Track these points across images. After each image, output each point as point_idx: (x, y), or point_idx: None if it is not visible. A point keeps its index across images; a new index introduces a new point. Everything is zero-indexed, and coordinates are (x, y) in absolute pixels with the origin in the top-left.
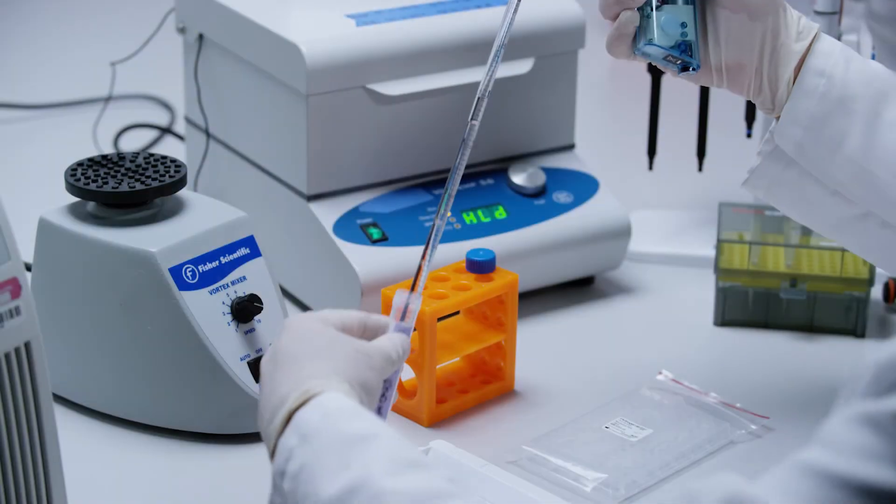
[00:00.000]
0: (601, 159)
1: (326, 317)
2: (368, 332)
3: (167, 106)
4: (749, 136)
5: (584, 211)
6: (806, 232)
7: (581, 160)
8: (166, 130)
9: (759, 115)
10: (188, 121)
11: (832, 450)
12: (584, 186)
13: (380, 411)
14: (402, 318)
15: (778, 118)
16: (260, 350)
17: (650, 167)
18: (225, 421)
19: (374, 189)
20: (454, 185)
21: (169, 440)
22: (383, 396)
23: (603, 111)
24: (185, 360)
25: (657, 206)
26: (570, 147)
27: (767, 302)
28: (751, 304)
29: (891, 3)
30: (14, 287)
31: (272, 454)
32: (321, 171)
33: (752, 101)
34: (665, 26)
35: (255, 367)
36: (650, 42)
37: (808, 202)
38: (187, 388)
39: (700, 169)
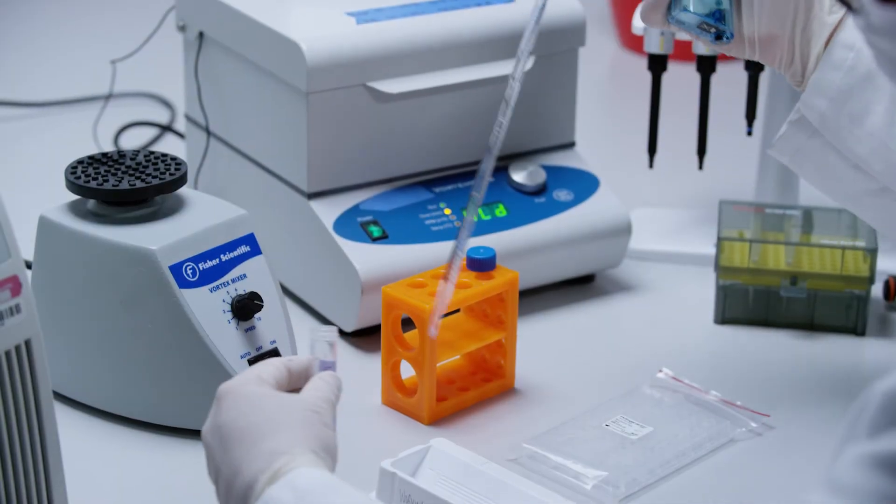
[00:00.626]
0: (602, 157)
1: (260, 376)
2: (294, 377)
3: (167, 104)
4: (750, 134)
5: (585, 209)
6: (806, 230)
7: (581, 158)
8: (166, 128)
9: (760, 113)
10: (188, 119)
11: (843, 495)
12: (584, 184)
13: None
14: (317, 352)
15: (803, 91)
16: (260, 348)
17: (651, 165)
18: None
19: (375, 187)
20: (481, 191)
21: (169, 438)
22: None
23: (603, 109)
24: (185, 358)
25: (658, 204)
26: (571, 145)
27: (768, 300)
28: (751, 301)
29: (889, 14)
30: (14, 285)
31: None
32: (322, 168)
33: (783, 73)
34: None
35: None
36: (685, 9)
37: (829, 173)
38: (187, 386)
39: (700, 167)
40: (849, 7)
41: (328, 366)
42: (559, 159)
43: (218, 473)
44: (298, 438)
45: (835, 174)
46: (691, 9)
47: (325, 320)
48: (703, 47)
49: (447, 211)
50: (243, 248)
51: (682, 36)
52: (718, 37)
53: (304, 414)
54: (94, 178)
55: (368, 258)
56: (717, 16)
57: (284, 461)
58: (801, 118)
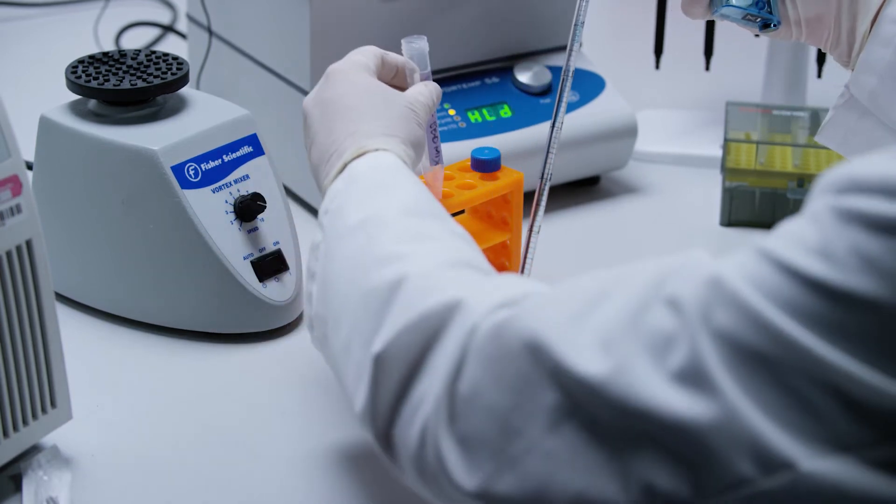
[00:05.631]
0: (608, 58)
1: (368, 65)
2: (387, 68)
3: (169, 4)
4: (758, 35)
5: (591, 110)
6: (814, 132)
7: (588, 59)
8: (168, 28)
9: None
10: (190, 18)
11: (786, 240)
12: (590, 85)
13: (437, 151)
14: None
15: (852, 70)
16: (263, 249)
17: (657, 66)
18: (228, 320)
19: None
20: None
21: (171, 339)
22: (434, 138)
23: (610, 9)
24: (187, 259)
25: (664, 105)
26: (580, 45)
27: (774, 202)
28: (757, 204)
29: None
30: (15, 185)
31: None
32: (325, 68)
33: (830, 54)
34: None
35: (258, 265)
36: (728, 3)
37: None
38: (190, 288)
39: (707, 68)
40: None
41: (427, 76)
42: (565, 60)
43: (313, 142)
44: (394, 128)
45: None
46: (735, 2)
47: None
48: None
49: (451, 111)
50: (246, 149)
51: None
52: (765, 25)
53: (403, 109)
54: (95, 78)
55: None
56: (761, 4)
57: (374, 143)
58: (850, 99)
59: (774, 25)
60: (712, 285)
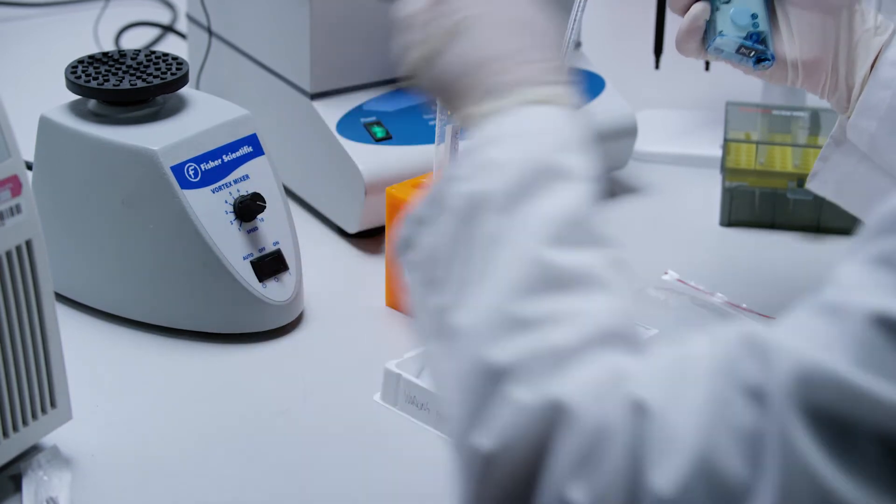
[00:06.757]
0: (608, 58)
1: None
2: None
3: (169, 4)
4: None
5: (591, 110)
6: (814, 132)
7: (587, 59)
8: (168, 29)
9: None
10: (190, 18)
11: (846, 289)
12: (590, 85)
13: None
14: None
15: (849, 117)
16: (263, 249)
17: (657, 66)
18: (228, 320)
19: (379, 87)
20: None
21: (171, 339)
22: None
23: (610, 9)
24: (187, 259)
25: (664, 105)
26: (577, 45)
27: (774, 202)
28: (757, 204)
29: None
30: (14, 185)
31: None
32: (325, 69)
33: (827, 101)
34: (735, 17)
35: (258, 265)
36: (721, 34)
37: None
38: (189, 288)
39: (707, 68)
40: None
41: None
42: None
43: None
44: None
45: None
46: (727, 33)
47: (328, 222)
48: None
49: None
50: (246, 149)
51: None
52: (759, 60)
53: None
54: (95, 78)
55: (372, 159)
56: (755, 38)
57: (553, 91)
58: (846, 144)
59: (769, 61)
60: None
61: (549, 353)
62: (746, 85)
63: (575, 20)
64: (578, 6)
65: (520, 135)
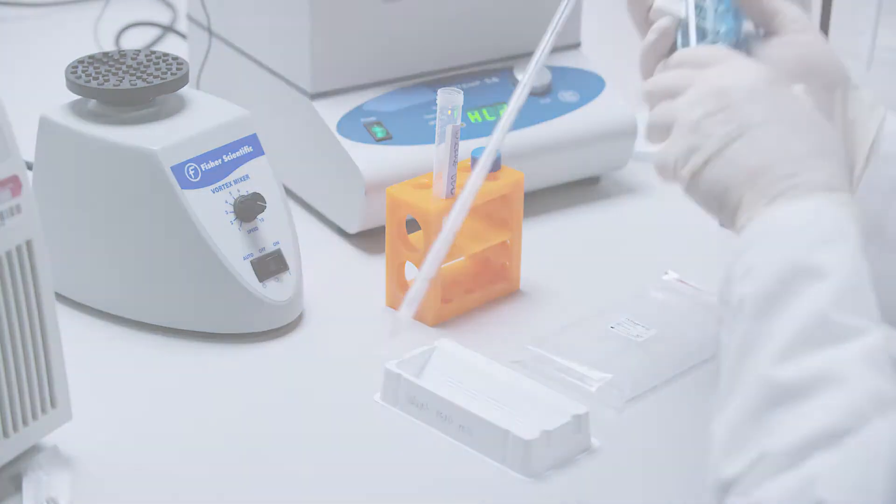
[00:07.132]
0: (607, 58)
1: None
2: None
3: (169, 4)
4: None
5: (590, 110)
6: None
7: (587, 59)
8: (168, 29)
9: None
10: (190, 18)
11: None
12: (590, 85)
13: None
14: None
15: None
16: (263, 249)
17: None
18: (228, 320)
19: (379, 87)
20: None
21: (171, 339)
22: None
23: (610, 9)
24: (187, 259)
25: None
26: (577, 45)
27: None
28: None
29: None
30: (14, 185)
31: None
32: (325, 68)
33: None
34: None
35: (258, 265)
36: None
37: (891, 282)
38: (189, 288)
39: None
40: None
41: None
42: (564, 60)
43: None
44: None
45: (893, 282)
46: None
47: (328, 222)
48: None
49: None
50: (246, 149)
51: None
52: None
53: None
54: (95, 78)
55: (372, 159)
56: None
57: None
58: None
59: None
60: None
61: (765, 464)
62: None
63: (559, 20)
64: (565, 4)
65: (780, 234)
